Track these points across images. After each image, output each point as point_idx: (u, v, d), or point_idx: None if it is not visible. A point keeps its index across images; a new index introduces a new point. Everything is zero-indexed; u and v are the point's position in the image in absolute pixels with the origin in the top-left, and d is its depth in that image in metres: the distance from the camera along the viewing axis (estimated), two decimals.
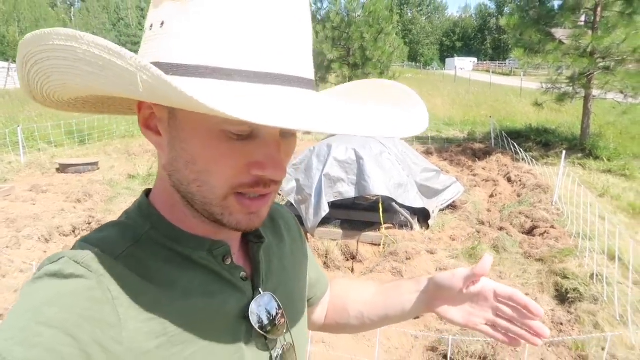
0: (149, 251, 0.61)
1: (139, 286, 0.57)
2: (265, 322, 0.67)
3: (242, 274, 0.68)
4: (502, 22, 9.71)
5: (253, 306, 0.66)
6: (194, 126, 0.56)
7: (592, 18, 9.71)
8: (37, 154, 10.58)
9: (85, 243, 0.59)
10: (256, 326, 0.66)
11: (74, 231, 5.90)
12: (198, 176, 0.58)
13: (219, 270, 0.65)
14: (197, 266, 0.63)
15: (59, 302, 0.51)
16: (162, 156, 0.63)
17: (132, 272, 0.57)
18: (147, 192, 0.68)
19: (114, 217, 6.73)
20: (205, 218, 0.62)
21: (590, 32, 9.52)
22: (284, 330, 0.71)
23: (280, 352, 0.70)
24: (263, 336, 0.67)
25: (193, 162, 0.58)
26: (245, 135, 0.57)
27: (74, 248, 0.60)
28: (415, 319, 3.99)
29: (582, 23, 9.90)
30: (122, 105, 0.72)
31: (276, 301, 0.70)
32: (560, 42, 9.75)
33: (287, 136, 0.61)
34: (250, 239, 0.74)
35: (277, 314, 0.69)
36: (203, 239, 0.64)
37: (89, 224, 5.99)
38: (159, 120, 0.60)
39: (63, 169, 9.30)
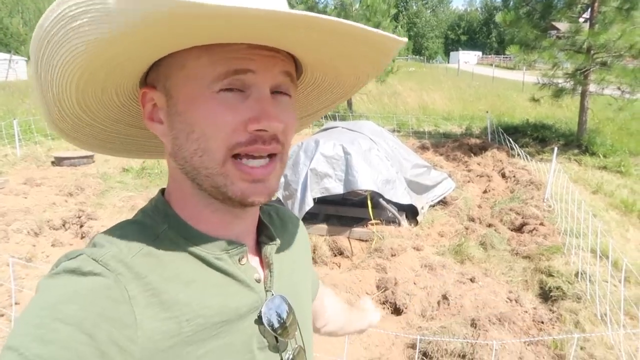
0: (167, 251, 0.61)
1: (156, 286, 0.57)
2: (276, 325, 0.67)
3: (256, 275, 0.68)
4: (498, 18, 9.61)
5: (264, 309, 0.66)
6: (188, 96, 0.59)
7: (590, 13, 9.61)
8: (33, 147, 10.61)
9: (103, 240, 0.60)
10: (268, 328, 0.66)
11: (64, 225, 5.92)
12: (198, 144, 0.59)
13: (234, 271, 0.65)
14: (213, 267, 0.63)
15: (76, 300, 0.51)
16: (167, 143, 0.64)
17: (150, 271, 0.58)
18: (163, 191, 0.69)
19: (104, 210, 6.60)
20: (214, 199, 0.63)
21: (587, 27, 9.41)
22: (295, 333, 0.71)
23: (291, 355, 0.70)
24: (275, 338, 0.68)
25: (192, 131, 0.59)
26: (237, 92, 0.59)
27: (92, 245, 0.60)
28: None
29: (583, 19, 9.78)
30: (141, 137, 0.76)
31: (287, 303, 0.70)
32: (558, 38, 9.66)
33: (278, 94, 0.62)
34: (263, 240, 0.74)
35: (287, 316, 0.69)
36: (220, 240, 0.65)
37: (79, 217, 6.00)
38: (159, 108, 0.63)
39: (58, 162, 9.32)
